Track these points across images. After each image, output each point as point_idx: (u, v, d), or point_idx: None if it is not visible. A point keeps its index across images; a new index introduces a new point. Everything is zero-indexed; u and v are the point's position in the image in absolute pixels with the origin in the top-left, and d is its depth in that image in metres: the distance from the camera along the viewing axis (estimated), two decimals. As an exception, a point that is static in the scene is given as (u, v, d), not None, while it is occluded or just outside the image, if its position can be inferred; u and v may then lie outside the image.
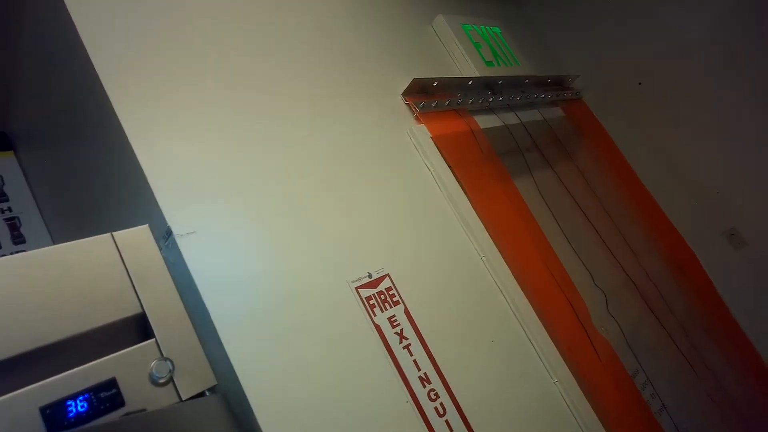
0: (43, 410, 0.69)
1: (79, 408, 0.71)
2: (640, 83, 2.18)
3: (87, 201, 1.30)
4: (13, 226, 1.38)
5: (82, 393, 0.72)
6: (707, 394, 1.66)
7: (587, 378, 1.37)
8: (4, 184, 1.42)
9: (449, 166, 1.48)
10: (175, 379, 0.80)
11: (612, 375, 1.44)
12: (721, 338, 1.88)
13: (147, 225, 0.90)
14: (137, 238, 0.88)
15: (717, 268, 2.07)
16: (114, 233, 0.86)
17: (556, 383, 1.33)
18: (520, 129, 1.82)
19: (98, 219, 1.28)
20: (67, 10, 1.01)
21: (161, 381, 0.78)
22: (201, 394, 0.82)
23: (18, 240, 1.36)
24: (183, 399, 0.79)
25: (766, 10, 1.91)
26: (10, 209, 1.40)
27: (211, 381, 0.83)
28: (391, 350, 1.10)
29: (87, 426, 0.70)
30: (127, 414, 0.74)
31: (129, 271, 0.84)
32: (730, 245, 2.08)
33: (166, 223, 0.95)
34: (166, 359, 0.80)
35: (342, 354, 1.03)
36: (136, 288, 0.84)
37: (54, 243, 1.47)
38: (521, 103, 1.92)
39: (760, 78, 1.96)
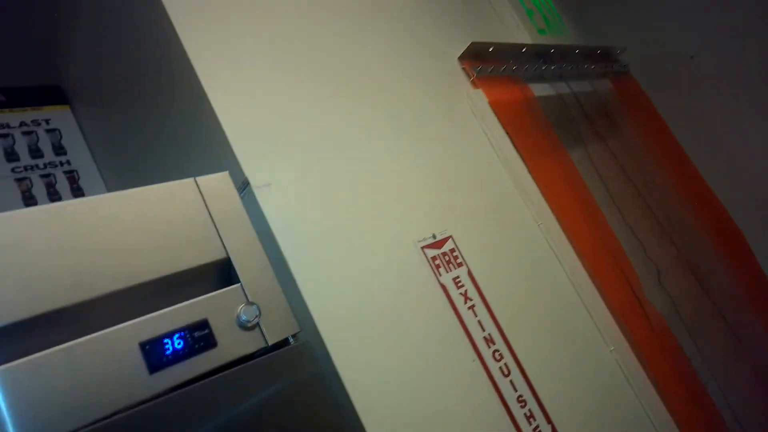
0: (142, 345, 0.70)
1: (175, 345, 0.72)
2: (691, 57, 2.12)
3: (147, 156, 1.30)
4: (72, 179, 1.39)
5: (177, 331, 0.73)
6: (753, 369, 1.65)
7: (641, 346, 1.36)
8: (61, 137, 1.42)
9: (507, 133, 1.46)
10: (261, 324, 0.80)
11: (664, 345, 1.42)
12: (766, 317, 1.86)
13: (227, 172, 0.90)
14: (218, 184, 0.87)
15: (764, 248, 2.03)
16: (196, 178, 0.85)
17: (612, 351, 1.33)
18: (572, 99, 1.79)
19: (159, 174, 1.28)
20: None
21: (249, 325, 0.79)
22: (285, 341, 0.82)
23: (78, 193, 1.37)
24: (269, 344, 0.80)
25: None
26: (68, 162, 1.40)
27: (295, 327, 0.83)
28: (457, 310, 1.09)
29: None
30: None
31: (212, 216, 0.84)
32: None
33: (243, 175, 0.94)
34: (252, 303, 0.80)
35: (412, 310, 1.02)
36: (220, 233, 0.83)
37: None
38: (572, 74, 1.88)
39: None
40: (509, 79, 1.60)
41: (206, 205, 0.84)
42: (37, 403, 0.61)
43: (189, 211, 0.82)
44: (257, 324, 0.80)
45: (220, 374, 0.73)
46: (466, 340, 1.07)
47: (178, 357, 0.71)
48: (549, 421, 1.10)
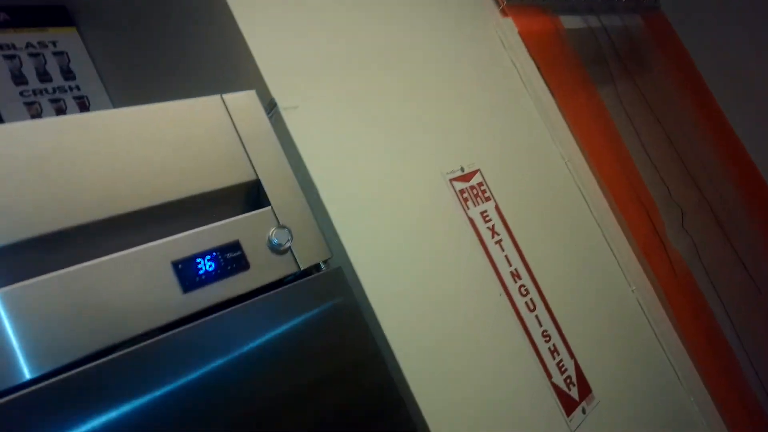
0: (175, 264, 0.67)
1: (207, 266, 0.69)
2: (726, -8, 2.01)
3: (162, 82, 1.24)
4: (83, 105, 1.33)
5: (209, 252, 0.70)
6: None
7: (663, 287, 1.35)
8: (69, 61, 1.36)
9: (536, 65, 1.39)
10: (292, 249, 0.78)
11: (685, 288, 1.41)
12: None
13: (254, 90, 0.85)
14: (245, 102, 0.83)
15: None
16: (223, 95, 0.81)
17: (634, 290, 1.32)
18: (602, 34, 1.70)
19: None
20: None
21: (281, 249, 0.76)
22: (316, 267, 0.80)
23: (90, 119, 1.31)
24: (301, 269, 0.77)
25: None
26: (78, 87, 1.34)
27: (326, 253, 0.81)
28: (485, 244, 1.07)
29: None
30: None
31: (240, 135, 0.80)
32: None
33: (270, 96, 0.89)
34: (283, 227, 0.77)
35: (440, 242, 1.00)
36: (249, 153, 0.79)
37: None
38: (602, 7, 1.78)
39: None
40: (539, 9, 1.52)
41: (234, 124, 0.80)
42: (69, 319, 0.59)
43: (216, 129, 0.78)
44: (289, 248, 0.77)
45: (255, 299, 0.71)
46: (493, 275, 1.05)
47: (211, 277, 0.69)
48: (572, 356, 1.10)
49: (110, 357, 0.59)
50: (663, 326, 1.31)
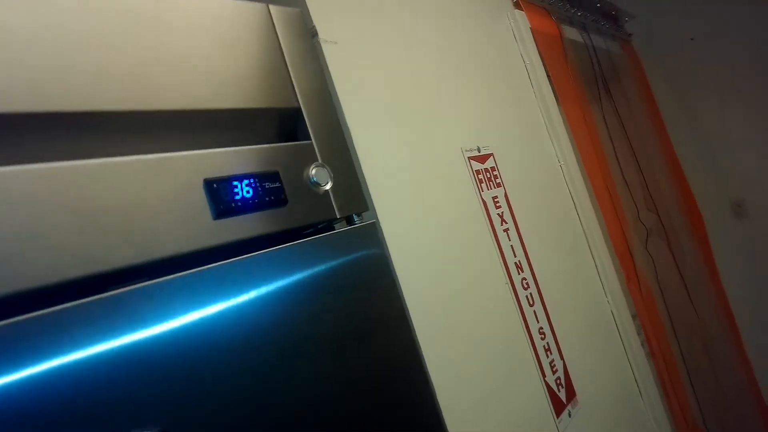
0: (208, 183, 0.55)
1: (245, 192, 0.57)
2: (692, 38, 2.15)
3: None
4: None
5: (248, 176, 0.58)
6: (703, 343, 1.75)
7: (633, 299, 1.38)
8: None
9: (543, 63, 1.38)
10: (330, 193, 0.67)
11: (648, 304, 1.45)
12: (711, 294, 1.98)
13: (301, 10, 0.73)
14: (292, 20, 0.71)
15: (717, 232, 2.15)
16: (269, 5, 0.69)
17: (609, 300, 1.33)
18: (591, 51, 1.74)
19: None
20: None
21: (320, 189, 0.65)
22: (349, 218, 0.70)
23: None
24: (339, 216, 0.67)
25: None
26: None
27: (364, 205, 0.71)
28: (495, 230, 1.02)
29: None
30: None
31: (284, 53, 0.68)
32: (734, 216, 2.17)
33: (311, 23, 0.78)
34: (324, 166, 0.66)
35: (456, 216, 0.93)
36: (293, 77, 0.68)
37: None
38: (592, 27, 1.83)
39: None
40: (546, 12, 1.52)
41: (278, 39, 0.68)
42: (66, 225, 0.45)
43: (259, 41, 0.66)
44: (328, 191, 0.66)
45: (291, 243, 0.60)
46: (500, 261, 1.00)
47: (248, 206, 0.57)
48: (562, 357, 1.07)
49: (119, 290, 0.45)
50: (630, 338, 1.33)
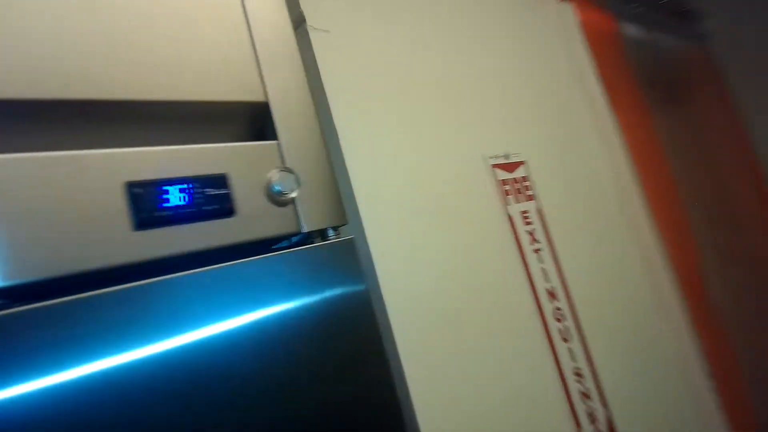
0: (131, 187, 0.46)
1: (177, 198, 0.48)
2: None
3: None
4: None
5: (184, 180, 0.49)
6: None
7: (700, 336, 1.17)
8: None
9: (593, 61, 1.21)
10: (297, 203, 0.56)
11: (719, 341, 1.23)
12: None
13: (280, -7, 0.64)
14: (269, 6, 0.62)
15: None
16: None
17: (669, 338, 1.13)
18: (653, 51, 1.54)
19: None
20: None
21: (282, 198, 0.55)
22: (324, 232, 0.59)
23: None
24: (304, 231, 0.56)
25: None
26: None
27: (341, 218, 0.60)
28: (522, 249, 0.87)
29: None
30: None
31: (255, 42, 0.59)
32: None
33: (299, 9, 0.69)
34: (290, 171, 0.56)
35: (472, 235, 0.80)
36: (261, 68, 0.59)
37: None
38: (658, 25, 1.63)
39: None
40: (599, 5, 1.35)
41: (249, 27, 0.59)
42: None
43: (224, 27, 0.57)
44: (293, 200, 0.56)
45: (233, 262, 0.50)
46: (527, 287, 0.85)
47: (180, 216, 0.48)
48: (605, 405, 0.90)
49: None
50: (696, 384, 1.12)
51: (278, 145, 0.57)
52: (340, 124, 0.67)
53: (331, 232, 0.60)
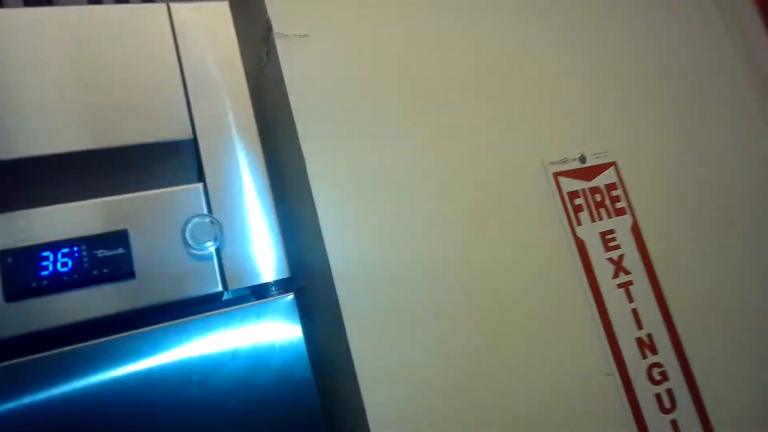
0: (2, 255, 0.43)
1: (58, 265, 0.44)
2: None
3: None
4: None
5: (69, 243, 0.44)
6: None
7: None
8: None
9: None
10: (221, 252, 0.48)
11: None
12: None
13: (227, 2, 0.55)
14: (207, 19, 0.54)
15: None
16: (171, 3, 0.53)
17: None
18: None
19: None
20: None
21: (199, 250, 0.47)
22: (261, 289, 0.50)
23: None
24: (227, 289, 0.47)
25: None
26: None
27: (280, 271, 0.50)
28: (597, 285, 0.65)
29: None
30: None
31: (183, 66, 0.51)
32: None
33: (265, 14, 0.59)
34: (211, 220, 0.48)
35: (513, 278, 0.61)
36: (190, 97, 0.51)
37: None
38: None
39: None
40: None
41: (177, 48, 0.52)
42: None
43: (144, 54, 0.51)
44: (212, 253, 0.47)
45: (129, 332, 0.44)
46: (602, 339, 0.63)
47: (58, 284, 0.43)
48: (732, 504, 0.63)
49: None
50: None
51: (204, 188, 0.49)
52: (308, 150, 0.56)
53: (273, 291, 0.50)
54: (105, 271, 0.44)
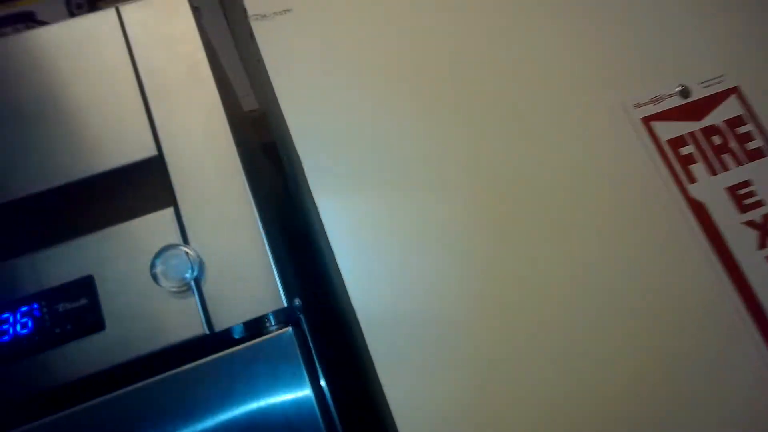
0: (-44, 325, 0.38)
1: (18, 327, 0.38)
2: None
3: None
4: None
5: (28, 300, 0.38)
6: None
7: None
8: None
9: None
10: (203, 286, 0.39)
11: None
12: None
13: (187, -7, 0.47)
14: (165, 15, 0.46)
15: None
16: (120, 6, 0.45)
17: None
18: None
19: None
20: None
21: (174, 287, 0.38)
22: (255, 323, 0.40)
23: None
24: (214, 330, 0.38)
25: None
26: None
27: (275, 301, 0.39)
28: (734, 262, 0.46)
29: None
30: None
31: (140, 73, 0.44)
32: None
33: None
34: (184, 248, 0.39)
35: (601, 264, 0.45)
36: (152, 110, 0.43)
37: None
38: None
39: None
40: None
41: (132, 56, 0.44)
42: None
43: (92, 67, 0.44)
44: (190, 287, 0.39)
45: (101, 398, 0.36)
46: (753, 332, 0.44)
47: (22, 349, 0.37)
48: None
49: None
50: None
51: (174, 212, 0.41)
52: (303, 152, 0.45)
53: (272, 322, 0.40)
54: (68, 327, 0.37)
